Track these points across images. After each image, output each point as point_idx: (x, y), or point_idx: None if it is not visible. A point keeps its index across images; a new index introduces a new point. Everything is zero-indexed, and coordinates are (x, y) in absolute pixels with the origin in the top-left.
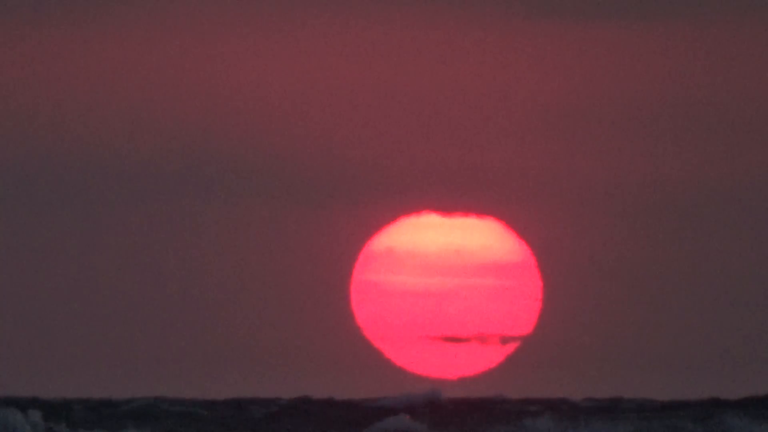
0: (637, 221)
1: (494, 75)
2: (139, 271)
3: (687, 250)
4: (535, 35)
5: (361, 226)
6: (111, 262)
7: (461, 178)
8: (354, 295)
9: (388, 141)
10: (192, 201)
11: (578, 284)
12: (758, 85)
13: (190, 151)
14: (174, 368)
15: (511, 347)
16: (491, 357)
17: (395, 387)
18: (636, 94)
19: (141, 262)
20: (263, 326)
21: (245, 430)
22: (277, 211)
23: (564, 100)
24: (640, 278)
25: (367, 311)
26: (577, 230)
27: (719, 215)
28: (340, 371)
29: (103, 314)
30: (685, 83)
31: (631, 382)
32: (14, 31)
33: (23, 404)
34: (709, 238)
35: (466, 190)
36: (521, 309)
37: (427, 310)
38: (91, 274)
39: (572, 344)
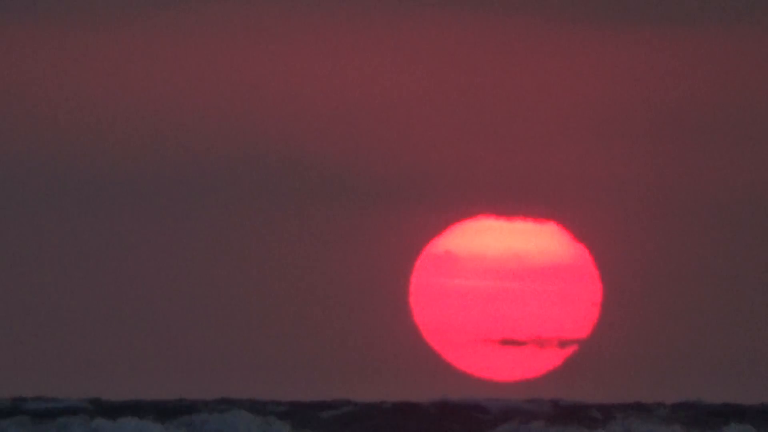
0: (696, 225)
1: (549, 80)
2: (201, 273)
3: (749, 254)
4: (593, 41)
5: (421, 230)
6: (168, 265)
7: (519, 182)
8: (413, 297)
9: (446, 145)
10: (257, 203)
11: (637, 288)
12: None
13: (254, 155)
14: (241, 371)
15: (569, 350)
16: (549, 360)
17: (455, 389)
18: (693, 98)
19: (203, 265)
20: (325, 329)
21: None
22: (340, 215)
23: (620, 105)
24: (700, 282)
25: (426, 313)
26: (635, 234)
27: None
28: (400, 373)
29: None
30: (736, 86)
31: (690, 385)
32: (24, 32)
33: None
34: None
35: (524, 194)
36: (579, 312)
37: (485, 312)
38: (147, 275)
39: (630, 348)
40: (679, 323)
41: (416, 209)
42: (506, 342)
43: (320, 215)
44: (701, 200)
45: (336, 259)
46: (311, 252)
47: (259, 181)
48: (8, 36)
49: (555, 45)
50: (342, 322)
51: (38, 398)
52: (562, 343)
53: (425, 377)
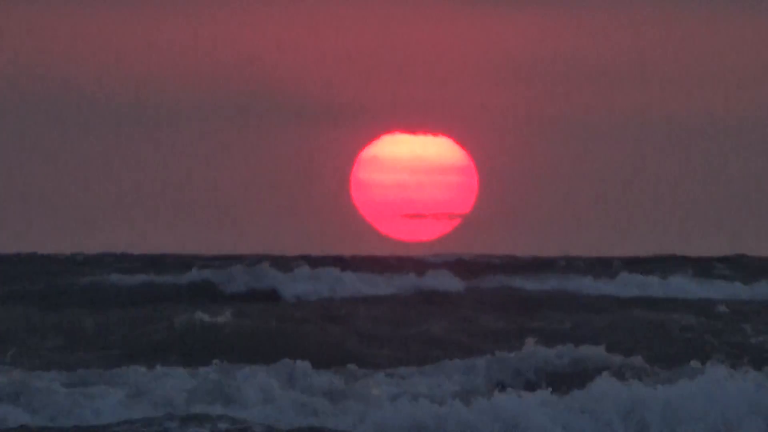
0: (547, 140)
1: (451, 41)
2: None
3: (586, 162)
4: (492, 16)
5: (357, 141)
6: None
7: (423, 108)
8: (353, 189)
9: (375, 83)
10: (235, 124)
11: (501, 181)
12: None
13: (236, 91)
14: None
15: (456, 222)
16: (444, 228)
17: (383, 247)
18: (561, 54)
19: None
20: (289, 208)
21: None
22: (298, 131)
23: (502, 58)
24: (547, 181)
25: (361, 198)
26: (502, 144)
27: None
28: (341, 236)
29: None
30: (594, 44)
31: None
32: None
33: None
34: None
35: (426, 116)
36: (463, 197)
37: (400, 197)
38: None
39: (494, 220)
40: (526, 202)
41: (353, 127)
42: (414, 216)
43: (282, 132)
44: (551, 123)
45: (295, 162)
46: (275, 158)
47: (237, 107)
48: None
49: (465, 19)
50: (301, 204)
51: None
52: (451, 216)
53: (360, 239)
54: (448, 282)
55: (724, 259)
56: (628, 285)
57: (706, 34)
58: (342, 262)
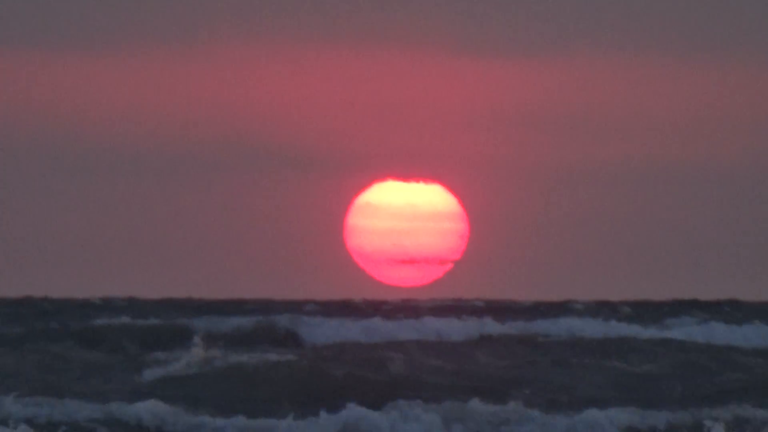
0: (537, 189)
1: (441, 90)
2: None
3: (579, 208)
4: (473, 66)
5: (350, 188)
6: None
7: (415, 156)
8: (346, 233)
9: (368, 132)
10: (230, 175)
11: (492, 229)
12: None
13: (231, 143)
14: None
15: (448, 267)
16: (434, 273)
17: (373, 291)
18: (545, 103)
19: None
20: (283, 256)
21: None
22: (291, 180)
23: (490, 106)
24: (539, 229)
25: (355, 245)
26: (492, 193)
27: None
28: (336, 282)
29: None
30: (576, 95)
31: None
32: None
33: None
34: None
35: (418, 165)
36: (453, 243)
37: (392, 242)
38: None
39: (484, 267)
40: (519, 251)
41: (347, 175)
42: (406, 262)
43: (275, 179)
44: (536, 173)
45: (291, 209)
46: (272, 205)
47: (232, 159)
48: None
49: (457, 68)
50: (295, 252)
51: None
52: (443, 263)
53: (354, 284)
54: (491, 326)
55: (719, 303)
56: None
57: (704, 82)
58: (349, 307)
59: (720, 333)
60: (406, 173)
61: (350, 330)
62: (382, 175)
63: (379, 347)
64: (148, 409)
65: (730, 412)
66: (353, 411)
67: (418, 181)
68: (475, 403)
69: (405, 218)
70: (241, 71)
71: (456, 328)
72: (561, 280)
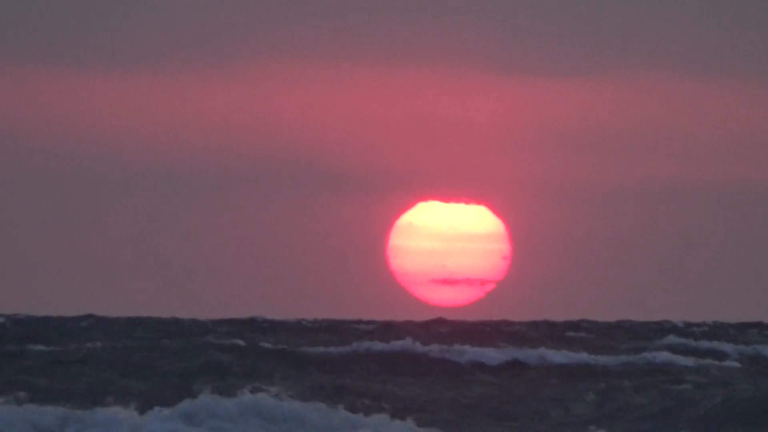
0: (575, 210)
1: (479, 112)
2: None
3: (612, 226)
4: (507, 86)
5: (393, 208)
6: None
7: (459, 176)
8: (389, 252)
9: (412, 153)
10: (285, 195)
11: (534, 250)
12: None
13: (277, 159)
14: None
15: (489, 288)
16: (477, 293)
17: (418, 312)
18: (578, 127)
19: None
20: (331, 275)
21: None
22: (339, 201)
23: (528, 128)
24: (579, 248)
25: (397, 263)
26: (534, 215)
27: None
28: (382, 301)
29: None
30: (606, 120)
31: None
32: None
33: None
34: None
35: (462, 185)
36: (497, 264)
37: (434, 262)
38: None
39: (525, 288)
40: (560, 272)
41: (390, 195)
42: (447, 282)
43: (320, 200)
44: (579, 192)
45: (334, 229)
46: (315, 225)
47: (274, 179)
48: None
49: (501, 88)
50: (342, 271)
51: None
52: (484, 283)
53: (397, 303)
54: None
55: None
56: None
57: (745, 100)
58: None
59: None
60: (449, 193)
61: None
62: (425, 195)
63: None
64: None
65: None
66: None
67: (460, 201)
68: None
69: (447, 239)
70: (282, 90)
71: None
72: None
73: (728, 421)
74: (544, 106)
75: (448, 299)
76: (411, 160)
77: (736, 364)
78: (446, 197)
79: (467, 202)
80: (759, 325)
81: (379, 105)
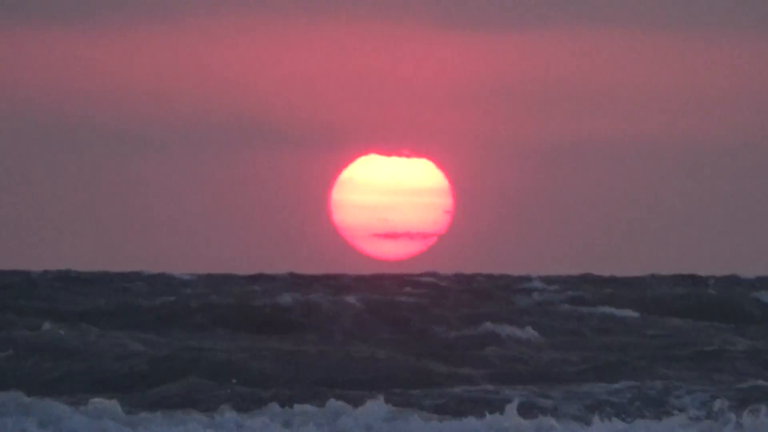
0: (514, 164)
1: (414, 65)
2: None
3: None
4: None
5: (335, 163)
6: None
7: (401, 131)
8: (332, 207)
9: (354, 108)
10: (224, 151)
11: (475, 202)
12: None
13: (218, 115)
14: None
15: (432, 241)
16: (419, 247)
17: (358, 265)
18: (524, 78)
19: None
20: (273, 228)
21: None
22: (283, 157)
23: (471, 80)
24: (516, 201)
25: (339, 218)
26: (476, 166)
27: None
28: (324, 254)
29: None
30: (544, 70)
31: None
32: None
33: None
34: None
35: (405, 139)
36: (438, 217)
37: (377, 217)
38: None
39: (466, 240)
40: (502, 226)
41: (333, 150)
42: (389, 236)
43: (260, 155)
44: (522, 148)
45: (276, 183)
46: (257, 179)
47: (220, 135)
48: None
49: (444, 42)
50: (284, 226)
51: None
52: (426, 237)
53: (340, 257)
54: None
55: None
56: None
57: (691, 55)
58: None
59: None
60: (391, 148)
61: None
62: (367, 149)
63: None
64: None
65: None
66: None
67: (402, 155)
68: None
69: (389, 193)
70: (221, 46)
71: None
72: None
73: None
74: (488, 61)
75: (390, 253)
76: (352, 115)
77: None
78: (388, 151)
79: (409, 156)
80: (693, 278)
81: (321, 60)
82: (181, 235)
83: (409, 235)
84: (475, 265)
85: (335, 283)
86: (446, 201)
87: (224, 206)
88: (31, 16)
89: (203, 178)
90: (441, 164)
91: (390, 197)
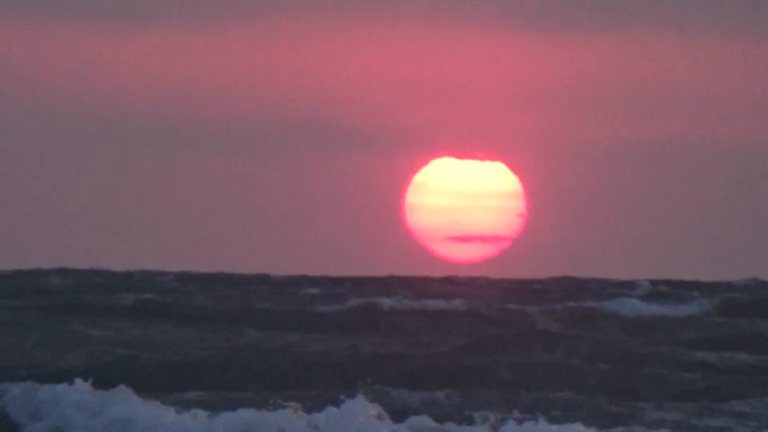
0: (594, 168)
1: (496, 67)
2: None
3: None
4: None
5: (409, 165)
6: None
7: (476, 134)
8: (405, 211)
9: (429, 111)
10: (299, 152)
11: (550, 207)
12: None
13: (292, 116)
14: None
15: (505, 245)
16: (492, 251)
17: (433, 267)
18: (598, 82)
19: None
20: (349, 229)
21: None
22: (353, 158)
23: (547, 84)
24: (596, 206)
25: (413, 221)
26: (552, 171)
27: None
28: (398, 258)
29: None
30: (622, 75)
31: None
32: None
33: None
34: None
35: (479, 142)
36: (512, 221)
37: (451, 219)
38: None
39: (541, 245)
40: (576, 230)
41: (407, 153)
42: (462, 239)
43: (335, 157)
44: (597, 151)
45: (349, 186)
46: (330, 182)
47: (291, 136)
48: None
49: (519, 44)
50: (361, 227)
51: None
52: (500, 240)
53: (414, 260)
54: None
55: None
56: None
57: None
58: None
59: None
60: (465, 150)
61: None
62: (440, 152)
63: None
64: None
65: None
66: None
67: (475, 158)
68: None
69: (463, 196)
70: (298, 47)
71: None
72: (620, 259)
73: None
74: (563, 63)
75: (463, 256)
76: (426, 118)
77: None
78: (462, 154)
79: (482, 159)
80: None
81: (396, 62)
82: (259, 235)
83: (482, 239)
84: (548, 269)
85: (439, 288)
86: (520, 204)
87: (298, 207)
88: (106, 14)
89: (279, 179)
90: (514, 167)
91: (463, 200)
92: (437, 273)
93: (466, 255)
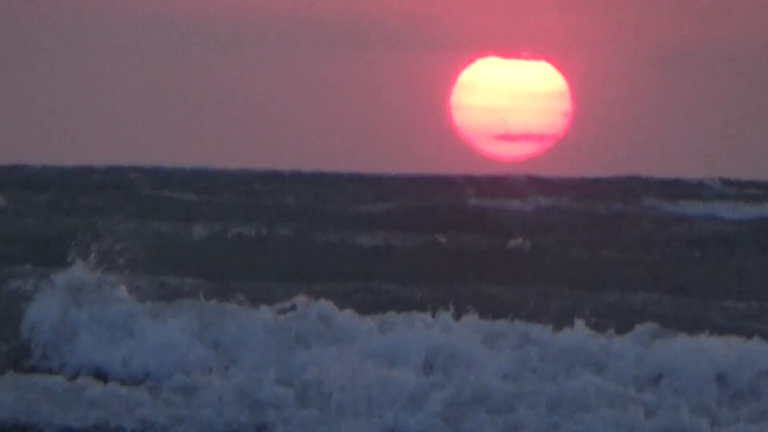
0: (640, 69)
1: None
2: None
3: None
4: None
5: (455, 64)
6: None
7: (518, 33)
8: (451, 108)
9: (473, 9)
10: (333, 51)
11: (596, 106)
12: None
13: (336, 15)
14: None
15: (550, 144)
16: (537, 149)
17: (482, 165)
18: None
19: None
20: (394, 128)
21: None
22: (405, 56)
23: None
24: (642, 109)
25: (460, 119)
26: (597, 69)
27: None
28: (444, 155)
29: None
30: None
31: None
32: None
33: None
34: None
35: (521, 41)
36: (557, 120)
37: (495, 117)
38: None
39: (586, 143)
40: (621, 129)
41: (453, 52)
42: (507, 137)
43: (387, 58)
44: (645, 52)
45: (400, 85)
46: (376, 81)
47: (338, 35)
48: None
49: None
50: (406, 123)
51: None
52: (545, 138)
53: (460, 157)
54: None
55: None
56: None
57: None
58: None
59: None
60: (510, 50)
61: None
62: (485, 51)
63: None
64: None
65: None
66: None
67: (521, 57)
68: None
69: (509, 95)
70: None
71: None
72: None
73: None
74: None
75: (509, 154)
76: (472, 17)
77: None
78: (507, 54)
79: (528, 59)
80: None
81: None
82: (297, 134)
83: (527, 137)
84: (594, 168)
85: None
86: (565, 104)
87: (343, 107)
88: None
89: (322, 78)
90: (560, 67)
91: (509, 100)
92: (487, 171)
93: (513, 153)
